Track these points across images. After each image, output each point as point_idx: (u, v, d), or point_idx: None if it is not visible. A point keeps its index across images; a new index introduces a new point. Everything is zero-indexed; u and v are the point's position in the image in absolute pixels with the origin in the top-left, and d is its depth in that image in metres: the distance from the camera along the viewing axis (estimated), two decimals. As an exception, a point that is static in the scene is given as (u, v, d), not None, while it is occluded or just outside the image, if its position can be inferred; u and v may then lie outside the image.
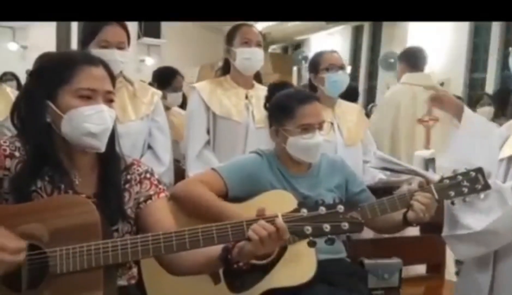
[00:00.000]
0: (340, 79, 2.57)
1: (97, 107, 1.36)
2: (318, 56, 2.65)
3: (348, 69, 2.56)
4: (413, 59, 3.54)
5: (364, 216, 1.79)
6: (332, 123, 2.00)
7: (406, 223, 1.81)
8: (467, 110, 1.94)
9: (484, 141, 1.86)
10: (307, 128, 1.85)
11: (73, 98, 1.36)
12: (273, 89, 2.03)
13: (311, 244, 1.32)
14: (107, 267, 1.29)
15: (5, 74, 5.56)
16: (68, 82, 1.36)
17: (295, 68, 10.61)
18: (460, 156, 1.89)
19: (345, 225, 1.29)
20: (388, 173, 2.57)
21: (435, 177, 1.93)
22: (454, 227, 1.80)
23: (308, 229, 1.30)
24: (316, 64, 2.61)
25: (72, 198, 1.36)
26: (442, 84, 8.43)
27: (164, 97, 3.49)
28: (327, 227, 1.29)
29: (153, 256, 1.34)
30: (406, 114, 3.33)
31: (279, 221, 1.30)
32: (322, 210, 1.30)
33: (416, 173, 2.12)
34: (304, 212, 1.31)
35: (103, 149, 1.40)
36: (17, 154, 1.37)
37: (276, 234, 1.30)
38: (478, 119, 1.96)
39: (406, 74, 3.49)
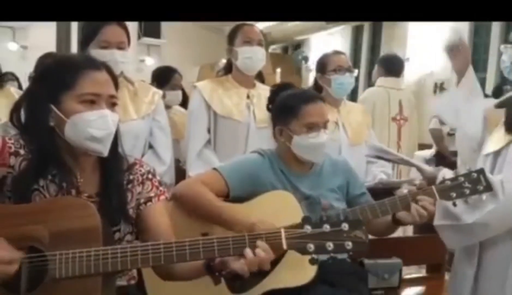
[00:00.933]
0: (347, 82, 2.57)
1: (100, 112, 1.36)
2: (326, 57, 2.65)
3: (355, 72, 2.58)
4: (389, 65, 3.93)
5: (365, 217, 1.79)
6: (336, 123, 2.00)
7: (396, 222, 1.81)
8: (469, 72, 2.09)
9: (473, 103, 2.01)
10: (312, 128, 1.86)
11: (77, 103, 1.36)
12: (276, 91, 2.03)
13: (313, 262, 1.30)
14: (106, 273, 1.29)
15: (5, 74, 5.54)
16: (71, 87, 1.36)
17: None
18: (452, 108, 2.06)
19: (349, 244, 1.28)
20: (390, 172, 2.59)
21: (426, 167, 1.97)
22: (446, 217, 1.84)
23: (311, 247, 1.29)
24: (324, 65, 2.61)
25: (73, 201, 1.36)
26: (442, 84, 8.46)
27: (163, 96, 3.49)
28: (330, 245, 1.28)
29: (152, 265, 1.34)
30: (381, 113, 3.73)
31: (260, 254, 1.29)
32: (326, 227, 1.29)
33: (407, 163, 2.16)
34: (307, 228, 1.30)
35: (106, 153, 1.40)
36: (22, 151, 1.37)
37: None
38: (474, 83, 2.11)
39: (381, 78, 3.88)
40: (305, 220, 1.31)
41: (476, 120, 1.95)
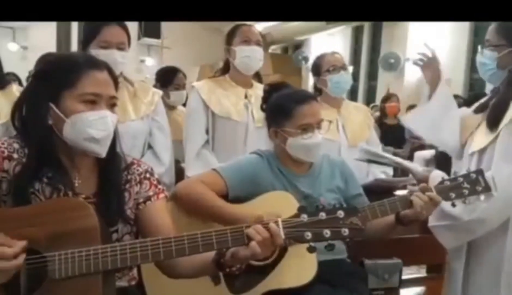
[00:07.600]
0: (343, 80, 2.57)
1: (100, 113, 1.36)
2: (320, 58, 2.65)
3: (350, 69, 2.57)
4: None
5: (364, 218, 1.79)
6: (330, 122, 1.99)
7: (399, 221, 1.80)
8: (442, 84, 2.12)
9: (449, 115, 2.06)
10: (306, 129, 1.85)
11: (77, 102, 1.35)
12: (270, 90, 2.02)
13: (311, 250, 1.32)
14: (105, 271, 1.28)
15: (7, 74, 5.54)
16: (72, 86, 1.35)
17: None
18: (428, 122, 2.10)
19: (345, 231, 1.30)
20: (390, 173, 2.59)
21: (418, 169, 2.01)
22: (441, 217, 1.87)
23: (308, 235, 1.30)
24: (318, 67, 2.61)
25: (70, 201, 1.35)
26: (442, 84, 8.46)
27: (167, 96, 3.49)
28: (327, 232, 1.30)
29: (152, 261, 1.33)
30: None
31: (273, 226, 1.30)
32: (322, 215, 1.30)
33: (399, 165, 2.16)
34: (304, 217, 1.31)
35: (104, 154, 1.39)
36: (15, 155, 1.36)
37: (270, 240, 1.30)
38: (448, 94, 2.15)
39: None
40: (301, 210, 1.33)
41: (454, 131, 2.01)
